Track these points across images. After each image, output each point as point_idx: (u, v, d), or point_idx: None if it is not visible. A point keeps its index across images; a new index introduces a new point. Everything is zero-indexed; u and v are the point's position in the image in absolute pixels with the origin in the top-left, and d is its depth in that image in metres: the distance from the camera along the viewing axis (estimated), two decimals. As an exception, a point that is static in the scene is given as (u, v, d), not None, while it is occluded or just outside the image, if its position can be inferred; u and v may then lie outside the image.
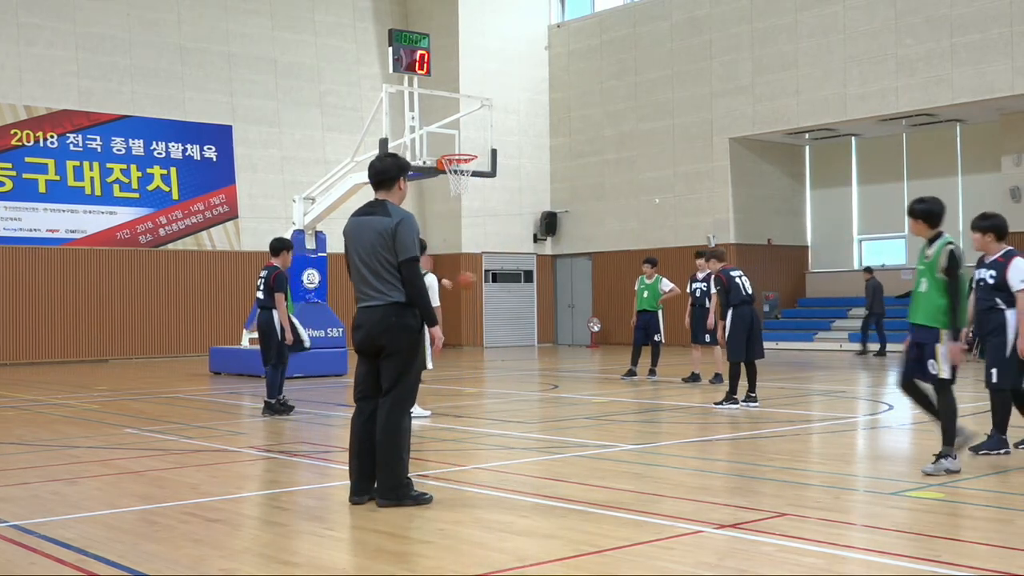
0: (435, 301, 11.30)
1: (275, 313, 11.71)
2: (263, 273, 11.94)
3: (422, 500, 6.31)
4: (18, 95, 23.19)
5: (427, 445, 9.23)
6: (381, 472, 6.32)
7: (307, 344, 12.26)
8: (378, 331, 6.34)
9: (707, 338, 14.51)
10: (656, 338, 16.18)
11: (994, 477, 7.31)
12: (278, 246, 12.07)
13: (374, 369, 6.47)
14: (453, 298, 27.97)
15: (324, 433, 10.61)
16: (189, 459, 8.61)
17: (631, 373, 16.25)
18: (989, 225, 8.43)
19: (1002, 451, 8.11)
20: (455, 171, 17.55)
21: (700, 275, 15.00)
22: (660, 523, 5.78)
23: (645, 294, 16.14)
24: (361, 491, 6.41)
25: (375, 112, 17.78)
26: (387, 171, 6.57)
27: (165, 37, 25.20)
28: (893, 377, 16.91)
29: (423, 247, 11.46)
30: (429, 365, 11.26)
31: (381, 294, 6.37)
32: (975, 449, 8.10)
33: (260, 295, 11.89)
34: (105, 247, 23.92)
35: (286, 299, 11.80)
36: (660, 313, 16.17)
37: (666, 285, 16.13)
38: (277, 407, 11.70)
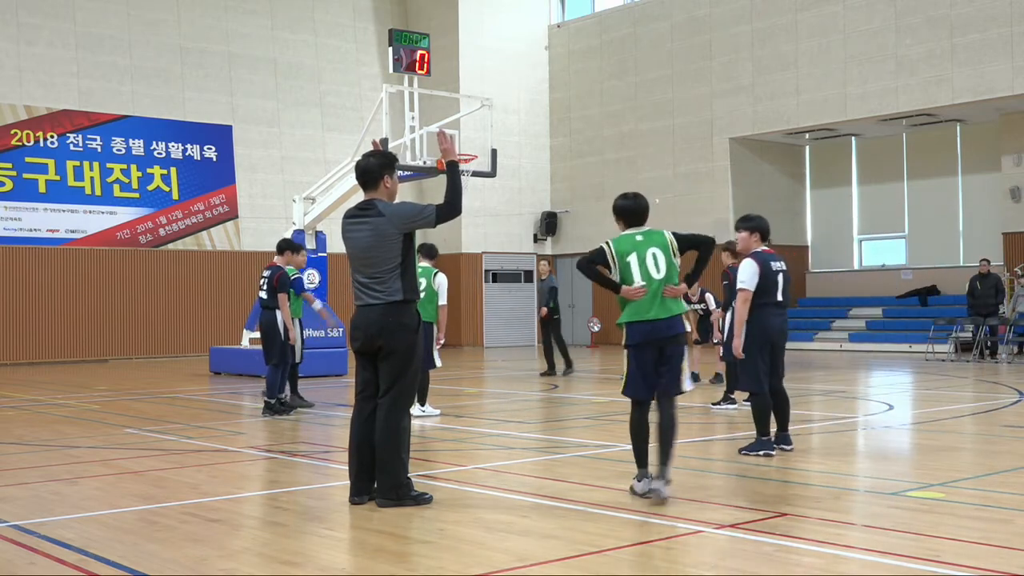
0: (442, 300, 11.32)
1: (278, 313, 11.74)
2: (266, 273, 11.99)
3: (422, 500, 6.32)
4: (18, 95, 23.19)
5: (427, 445, 9.24)
6: (381, 472, 6.33)
7: (298, 359, 12.38)
8: (375, 331, 6.35)
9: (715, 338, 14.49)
10: None
11: (994, 477, 7.31)
12: (283, 246, 12.18)
13: (373, 369, 6.47)
14: (453, 299, 27.97)
15: (324, 433, 10.61)
16: (189, 459, 8.61)
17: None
18: (750, 227, 8.45)
19: (762, 452, 8.10)
20: (455, 171, 17.52)
21: (693, 297, 14.91)
22: (660, 523, 5.78)
23: None
24: (360, 491, 6.41)
25: (375, 112, 17.77)
26: (370, 171, 6.56)
27: (165, 37, 25.20)
28: (880, 377, 16.89)
29: (434, 251, 11.56)
30: (438, 363, 11.31)
31: (378, 294, 6.38)
32: (741, 449, 8.29)
33: (263, 295, 11.93)
34: (105, 247, 23.92)
35: (289, 299, 11.83)
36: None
37: None
38: (277, 407, 11.70)
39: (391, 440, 6.31)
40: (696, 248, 6.76)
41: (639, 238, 6.64)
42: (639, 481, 6.45)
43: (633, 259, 6.55)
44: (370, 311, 6.39)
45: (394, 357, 6.36)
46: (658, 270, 6.54)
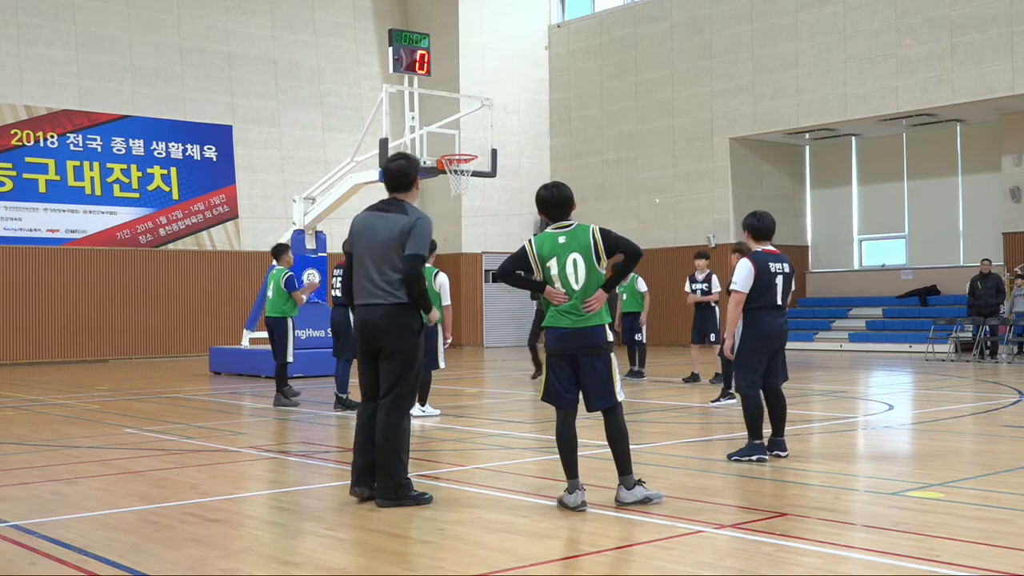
0: (446, 300, 11.33)
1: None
2: (339, 271, 12.31)
3: (422, 500, 6.32)
4: (18, 95, 23.19)
5: (427, 445, 9.23)
6: (380, 472, 6.32)
7: (289, 359, 13.09)
8: (379, 331, 6.36)
9: (712, 337, 14.46)
10: (637, 337, 16.04)
11: (993, 477, 7.31)
12: None
13: (375, 369, 6.49)
14: (453, 299, 27.96)
15: (324, 433, 10.62)
16: (189, 459, 8.61)
17: (636, 374, 16.18)
18: (745, 224, 8.31)
19: (754, 457, 7.81)
20: (455, 171, 17.54)
21: (699, 275, 14.92)
22: (660, 523, 5.77)
23: (624, 296, 16.04)
24: (361, 482, 6.43)
25: (375, 112, 17.79)
26: (407, 174, 6.55)
27: (165, 37, 25.20)
28: (880, 377, 16.89)
29: (433, 247, 11.63)
30: (441, 364, 11.31)
31: (385, 293, 6.38)
32: (730, 454, 7.99)
33: (338, 292, 12.30)
34: (105, 247, 23.92)
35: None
36: (642, 313, 16.03)
37: (642, 285, 16.03)
38: (349, 402, 12.00)
39: (390, 441, 6.31)
40: (622, 254, 6.31)
41: (562, 240, 6.21)
42: (570, 493, 6.13)
43: (553, 265, 6.18)
44: (373, 310, 6.39)
45: (396, 358, 6.36)
46: (577, 280, 6.14)
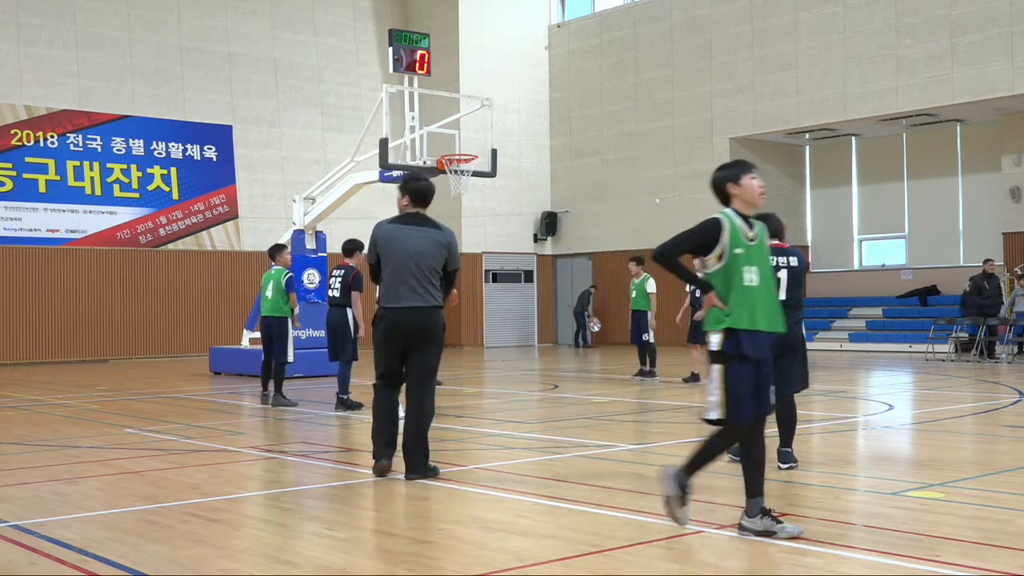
0: None
1: (349, 311, 12.18)
2: (338, 272, 12.41)
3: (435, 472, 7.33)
4: (18, 95, 23.19)
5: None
6: (417, 450, 7.20)
7: (290, 359, 13.13)
8: (421, 329, 7.25)
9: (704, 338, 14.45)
10: (644, 338, 16.02)
11: (993, 477, 7.31)
12: (351, 247, 12.51)
13: (401, 358, 7.29)
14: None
15: (324, 433, 10.62)
16: (189, 459, 8.61)
17: (647, 373, 16.14)
18: None
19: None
20: (455, 171, 17.53)
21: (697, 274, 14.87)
22: (660, 523, 5.77)
23: (634, 294, 16.06)
24: (383, 456, 7.25)
25: (375, 112, 17.77)
26: (431, 193, 7.64)
27: (165, 37, 25.20)
28: (880, 377, 16.87)
29: None
30: None
31: (426, 296, 7.27)
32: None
33: (335, 293, 12.32)
34: (105, 247, 23.92)
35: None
36: (649, 313, 16.01)
37: (652, 286, 16.02)
38: (350, 402, 12.01)
39: (427, 421, 7.27)
40: None
41: None
42: (756, 517, 5.48)
43: None
44: (412, 312, 7.24)
45: (432, 352, 7.32)
46: None
